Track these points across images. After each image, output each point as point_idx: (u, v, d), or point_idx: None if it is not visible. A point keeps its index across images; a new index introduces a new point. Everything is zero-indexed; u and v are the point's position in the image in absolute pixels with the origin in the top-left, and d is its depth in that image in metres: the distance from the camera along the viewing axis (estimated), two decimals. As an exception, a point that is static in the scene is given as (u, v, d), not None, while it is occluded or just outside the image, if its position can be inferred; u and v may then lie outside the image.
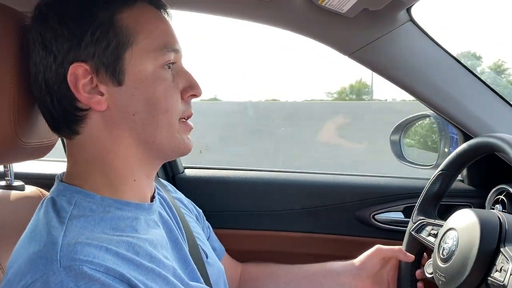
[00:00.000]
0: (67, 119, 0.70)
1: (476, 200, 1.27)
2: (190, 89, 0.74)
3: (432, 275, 0.94)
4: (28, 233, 0.67)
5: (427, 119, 1.41)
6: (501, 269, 0.76)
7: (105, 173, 0.71)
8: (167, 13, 0.76)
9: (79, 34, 0.67)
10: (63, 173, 0.75)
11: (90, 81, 0.68)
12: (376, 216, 1.35)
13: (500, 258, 0.77)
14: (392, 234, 1.31)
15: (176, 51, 0.73)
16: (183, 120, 0.75)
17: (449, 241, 0.89)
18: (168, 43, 0.72)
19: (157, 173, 1.36)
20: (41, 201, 0.71)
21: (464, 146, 0.98)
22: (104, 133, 0.70)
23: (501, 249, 0.78)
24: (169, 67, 0.72)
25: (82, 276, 0.57)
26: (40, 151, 0.81)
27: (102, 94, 0.68)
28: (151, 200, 0.78)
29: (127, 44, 0.68)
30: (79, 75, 0.67)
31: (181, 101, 0.74)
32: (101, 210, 0.68)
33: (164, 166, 1.44)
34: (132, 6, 0.70)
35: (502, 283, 0.74)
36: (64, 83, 0.67)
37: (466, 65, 1.11)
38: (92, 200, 0.69)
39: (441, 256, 0.90)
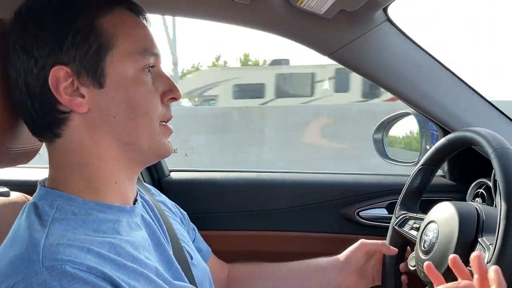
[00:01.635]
0: (48, 122, 0.71)
1: (457, 195, 1.29)
2: (170, 92, 0.76)
3: (415, 267, 0.97)
4: (10, 237, 0.67)
5: (408, 117, 1.44)
6: None
7: (86, 175, 0.72)
8: (145, 19, 0.78)
9: (60, 38, 0.68)
10: (46, 178, 0.75)
11: (71, 83, 0.69)
12: (360, 213, 1.36)
13: (478, 247, 0.80)
14: (377, 230, 1.33)
15: (155, 55, 0.74)
16: (163, 123, 0.76)
17: (430, 234, 0.91)
18: (147, 47, 0.73)
19: (142, 177, 1.39)
20: (23, 207, 0.71)
21: (442, 141, 1.00)
22: (85, 136, 0.71)
23: (479, 239, 0.81)
24: (149, 71, 0.73)
25: (65, 275, 0.58)
26: (24, 157, 0.81)
27: (83, 97, 0.69)
28: (134, 203, 0.79)
29: (108, 47, 0.70)
30: (60, 78, 0.68)
31: (161, 105, 0.75)
32: (83, 213, 0.69)
33: (149, 170, 1.44)
34: (112, 11, 0.71)
35: None
36: (45, 86, 0.68)
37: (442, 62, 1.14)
38: (74, 203, 0.69)
39: (423, 248, 0.92)
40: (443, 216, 0.90)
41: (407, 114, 1.40)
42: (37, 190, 0.73)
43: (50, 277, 0.57)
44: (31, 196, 0.74)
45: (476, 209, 0.87)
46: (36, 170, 1.43)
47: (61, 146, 0.72)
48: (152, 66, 0.74)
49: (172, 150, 0.78)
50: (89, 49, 0.68)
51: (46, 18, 0.69)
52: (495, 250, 0.71)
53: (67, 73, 0.68)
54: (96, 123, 0.71)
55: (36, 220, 0.66)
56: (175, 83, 0.77)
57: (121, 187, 0.75)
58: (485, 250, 0.77)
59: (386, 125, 1.46)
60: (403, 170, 1.41)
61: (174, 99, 0.77)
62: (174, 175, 1.49)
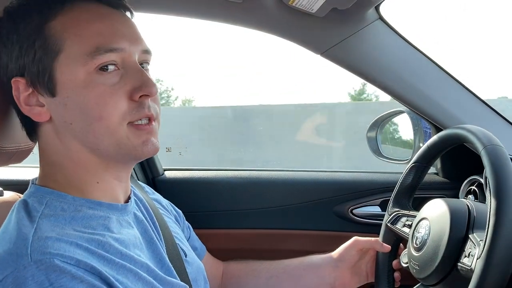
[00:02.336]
0: (28, 125, 0.74)
1: (450, 192, 1.30)
2: (140, 89, 0.69)
3: (408, 264, 0.97)
4: None
5: (401, 115, 1.45)
6: (469, 254, 0.79)
7: (66, 175, 0.73)
8: (124, 8, 0.73)
9: (11, 48, 0.69)
10: (37, 177, 0.76)
11: (33, 93, 0.69)
12: (354, 211, 1.37)
13: (469, 244, 0.81)
14: (370, 228, 1.33)
15: (117, 50, 0.68)
16: (135, 124, 0.70)
17: (422, 231, 0.92)
18: (101, 44, 0.67)
19: (136, 176, 1.38)
20: (14, 204, 0.72)
21: (434, 138, 1.01)
22: (55, 141, 0.72)
23: (470, 236, 0.81)
24: (106, 69, 0.68)
25: (53, 269, 0.58)
26: (18, 156, 0.82)
27: (43, 105, 0.70)
28: (127, 201, 0.79)
29: (55, 52, 0.67)
30: (20, 89, 0.69)
31: (131, 103, 0.69)
32: (73, 209, 0.69)
33: (143, 169, 1.44)
34: (62, 10, 0.68)
35: (469, 267, 0.77)
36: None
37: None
38: (64, 200, 0.70)
39: (415, 245, 0.93)
40: (435, 213, 0.91)
41: (401, 112, 1.40)
42: (28, 188, 0.74)
43: (38, 271, 0.58)
44: None
45: (467, 206, 0.88)
46: (29, 170, 1.42)
47: (43, 147, 0.74)
48: (114, 64, 0.68)
49: (149, 152, 0.72)
50: (34, 57, 0.67)
51: (2, 29, 0.70)
52: (485, 246, 0.72)
53: (25, 84, 0.69)
54: (60, 130, 0.71)
55: (25, 215, 0.66)
56: (150, 77, 0.70)
57: (106, 186, 0.75)
58: (476, 246, 0.77)
59: (379, 124, 1.47)
60: (397, 168, 1.42)
61: (147, 96, 0.70)
62: (168, 174, 1.49)
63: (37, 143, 0.75)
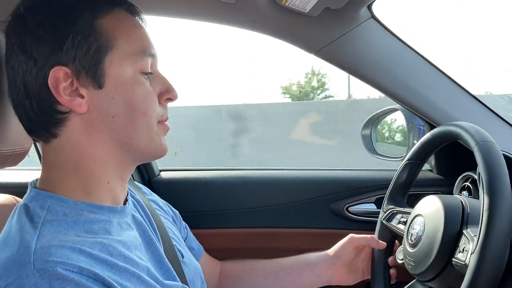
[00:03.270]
0: (46, 121, 0.71)
1: (445, 188, 1.31)
2: (167, 93, 0.77)
3: (403, 261, 0.98)
4: (1, 239, 0.67)
5: (395, 112, 1.45)
6: (463, 250, 0.80)
7: (80, 176, 0.72)
8: (141, 19, 0.79)
9: (60, 38, 0.68)
10: (37, 179, 0.76)
11: (70, 84, 0.69)
12: (349, 208, 1.38)
13: (463, 239, 0.81)
14: (366, 225, 1.34)
15: (153, 56, 0.76)
16: (160, 122, 0.77)
17: (417, 227, 0.93)
18: (145, 48, 0.74)
19: (132, 177, 1.39)
20: (14, 208, 0.71)
21: (427, 135, 1.02)
22: (82, 136, 0.72)
23: (464, 231, 0.82)
24: (146, 72, 0.74)
25: (56, 277, 0.58)
26: (12, 159, 0.82)
27: (82, 97, 0.70)
28: (124, 203, 0.79)
29: (107, 48, 0.70)
30: (60, 78, 0.68)
31: (159, 105, 0.76)
32: (74, 213, 0.69)
33: (139, 170, 1.45)
34: (111, 12, 0.72)
35: (464, 262, 0.77)
36: (44, 86, 0.68)
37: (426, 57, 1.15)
38: (66, 204, 0.70)
39: (410, 241, 0.94)
40: (429, 210, 0.92)
41: (395, 109, 1.41)
42: (28, 191, 0.73)
43: (41, 279, 0.57)
44: (20, 198, 0.74)
45: (461, 201, 0.89)
46: (25, 172, 1.43)
47: (57, 146, 0.72)
48: (150, 67, 0.75)
49: (167, 149, 0.79)
50: (89, 50, 0.69)
51: (46, 17, 0.69)
52: (478, 241, 0.72)
53: (67, 74, 0.69)
54: (95, 123, 0.71)
55: (27, 221, 0.66)
56: (172, 84, 0.78)
57: (113, 187, 0.76)
58: (470, 241, 0.78)
59: (374, 121, 1.47)
60: (392, 165, 1.43)
61: (171, 99, 0.78)
62: (164, 175, 1.49)
63: (46, 143, 0.73)
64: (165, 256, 0.81)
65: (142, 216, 0.85)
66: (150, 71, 0.75)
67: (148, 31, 0.78)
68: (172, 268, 0.80)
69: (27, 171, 1.44)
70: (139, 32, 0.75)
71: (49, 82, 0.68)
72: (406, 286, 1.00)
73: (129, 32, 0.73)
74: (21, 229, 0.65)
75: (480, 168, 0.77)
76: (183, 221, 1.08)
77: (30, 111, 0.71)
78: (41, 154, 0.76)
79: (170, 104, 0.80)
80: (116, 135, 0.73)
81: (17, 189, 0.98)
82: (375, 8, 1.10)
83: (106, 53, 0.70)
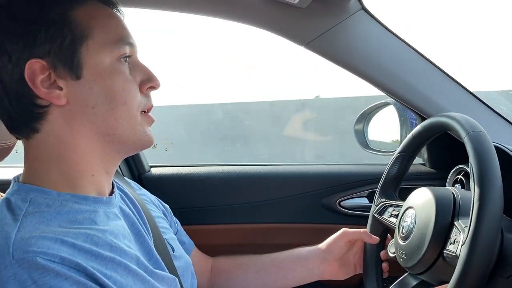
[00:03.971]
0: (26, 117, 0.70)
1: (438, 182, 1.30)
2: (148, 81, 0.76)
3: (395, 254, 0.97)
4: None
5: (388, 106, 1.45)
6: (454, 241, 0.79)
7: (63, 169, 0.72)
8: (119, 11, 0.78)
9: (33, 31, 0.67)
10: (20, 174, 0.75)
11: (48, 77, 0.68)
12: (341, 203, 1.37)
13: (454, 231, 0.81)
14: (358, 219, 1.34)
15: (131, 45, 0.75)
16: (144, 112, 0.76)
17: (408, 219, 0.92)
18: (122, 37, 0.73)
19: (122, 173, 1.37)
20: None
21: (418, 127, 1.01)
22: (64, 128, 0.71)
23: (455, 223, 0.82)
24: (125, 60, 0.73)
25: (35, 267, 0.57)
26: None
27: (61, 89, 0.69)
28: (110, 195, 0.78)
29: (83, 38, 0.70)
30: (36, 71, 0.67)
31: (140, 94, 0.75)
32: (58, 204, 0.68)
33: (129, 166, 1.43)
34: (85, 3, 0.72)
35: (455, 254, 0.77)
36: (22, 81, 0.67)
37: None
38: (49, 196, 0.69)
39: (401, 234, 0.93)
40: (420, 202, 0.91)
41: (387, 104, 1.41)
42: (11, 186, 0.73)
43: (20, 269, 0.57)
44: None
45: (453, 193, 0.88)
46: (11, 169, 1.41)
47: (39, 141, 0.72)
48: (129, 56, 0.74)
49: (153, 140, 0.78)
50: (63, 42, 0.68)
51: (18, 11, 0.68)
52: (469, 232, 0.71)
53: (43, 66, 0.68)
54: (75, 115, 0.70)
55: (8, 214, 0.65)
56: (153, 72, 0.77)
57: (98, 179, 0.75)
58: (461, 233, 0.77)
59: (366, 116, 1.47)
60: (384, 159, 1.42)
61: (153, 87, 0.77)
62: (154, 171, 1.48)
63: (29, 138, 0.72)
64: (154, 249, 0.80)
65: (130, 209, 0.84)
66: (128, 60, 0.74)
67: (127, 23, 0.77)
68: (161, 261, 0.80)
69: (15, 168, 1.42)
70: (115, 21, 0.75)
71: (25, 75, 0.67)
72: (398, 280, 0.99)
73: (105, 21, 0.73)
74: (1, 221, 0.64)
75: (471, 158, 0.77)
76: (173, 216, 1.07)
77: (9, 108, 0.70)
78: (24, 149, 0.74)
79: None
80: (98, 126, 0.72)
81: (2, 186, 0.96)
82: (365, -1, 1.09)
83: (81, 44, 0.69)
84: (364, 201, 1.37)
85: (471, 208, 0.73)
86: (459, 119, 0.85)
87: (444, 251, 0.81)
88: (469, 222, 0.73)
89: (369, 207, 1.14)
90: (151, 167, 1.50)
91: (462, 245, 0.73)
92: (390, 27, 1.12)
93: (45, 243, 0.60)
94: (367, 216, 1.12)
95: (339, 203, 1.37)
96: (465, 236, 0.73)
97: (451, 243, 0.80)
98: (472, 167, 0.76)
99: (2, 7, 0.69)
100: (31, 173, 0.72)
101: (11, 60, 0.67)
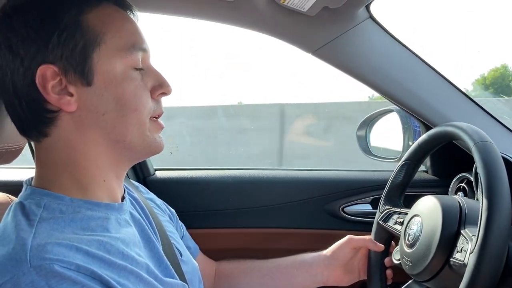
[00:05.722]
0: (36, 121, 0.70)
1: (440, 189, 1.31)
2: (160, 87, 0.75)
3: (400, 261, 0.98)
4: None
5: (391, 113, 1.46)
6: (461, 250, 0.80)
7: (74, 174, 0.71)
8: (133, 13, 0.77)
9: (46, 36, 0.67)
10: (32, 177, 0.75)
11: (59, 82, 0.68)
12: (345, 209, 1.38)
13: (461, 239, 0.82)
14: (361, 226, 1.34)
15: (144, 50, 0.74)
16: (154, 119, 0.76)
17: (414, 227, 0.93)
18: (135, 42, 0.72)
19: (127, 175, 1.38)
20: (9, 206, 0.70)
21: (424, 136, 1.02)
22: (74, 134, 0.70)
23: (462, 231, 0.82)
24: (137, 67, 0.72)
25: (53, 275, 0.57)
26: (7, 156, 0.81)
27: (71, 95, 0.69)
28: (122, 200, 0.79)
29: (95, 44, 0.69)
30: (47, 77, 0.67)
31: (151, 100, 0.74)
32: (71, 211, 0.68)
33: (134, 169, 1.44)
34: (98, 6, 0.71)
35: (462, 262, 0.77)
36: (33, 85, 0.67)
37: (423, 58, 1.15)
38: (62, 201, 0.69)
39: (407, 242, 0.94)
40: (427, 210, 0.92)
41: (390, 110, 1.41)
42: (23, 190, 0.72)
43: (38, 277, 0.57)
44: (15, 196, 0.73)
45: (459, 202, 0.89)
46: (19, 171, 1.41)
47: (49, 145, 0.71)
48: (141, 69, 0.73)
49: (163, 146, 0.77)
50: (75, 47, 0.68)
51: (32, 16, 0.68)
52: (478, 241, 0.72)
53: (54, 72, 0.67)
54: (85, 121, 0.70)
55: (23, 219, 0.65)
56: (165, 78, 0.76)
57: (109, 184, 0.75)
58: (468, 241, 0.78)
59: (369, 122, 1.47)
60: (387, 166, 1.43)
61: (164, 94, 0.76)
62: (159, 174, 1.48)
63: (39, 142, 0.72)
64: (164, 254, 0.80)
65: (140, 214, 0.84)
66: (141, 66, 0.73)
67: (141, 26, 0.76)
68: (171, 266, 0.80)
69: (21, 169, 1.43)
70: (128, 26, 0.73)
71: (36, 80, 0.67)
72: (403, 287, 0.99)
73: (118, 26, 0.71)
74: (17, 226, 0.64)
75: (479, 168, 0.77)
76: (179, 220, 1.07)
77: (20, 111, 0.70)
78: (34, 153, 0.74)
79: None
80: (108, 133, 0.71)
81: (11, 188, 0.96)
82: (373, 8, 1.10)
83: (93, 49, 0.69)
84: (367, 207, 1.37)
85: (479, 218, 0.74)
86: (466, 128, 0.86)
87: (451, 259, 0.82)
88: (477, 231, 0.74)
89: (373, 214, 1.15)
90: (156, 170, 1.50)
91: (470, 253, 0.74)
92: (397, 36, 1.13)
93: (61, 250, 0.60)
94: (370, 222, 1.13)
95: (342, 209, 1.38)
96: (473, 244, 0.74)
97: (458, 252, 0.81)
98: (480, 176, 0.77)
99: (15, 11, 0.69)
100: (43, 177, 0.72)
101: (23, 63, 0.67)
